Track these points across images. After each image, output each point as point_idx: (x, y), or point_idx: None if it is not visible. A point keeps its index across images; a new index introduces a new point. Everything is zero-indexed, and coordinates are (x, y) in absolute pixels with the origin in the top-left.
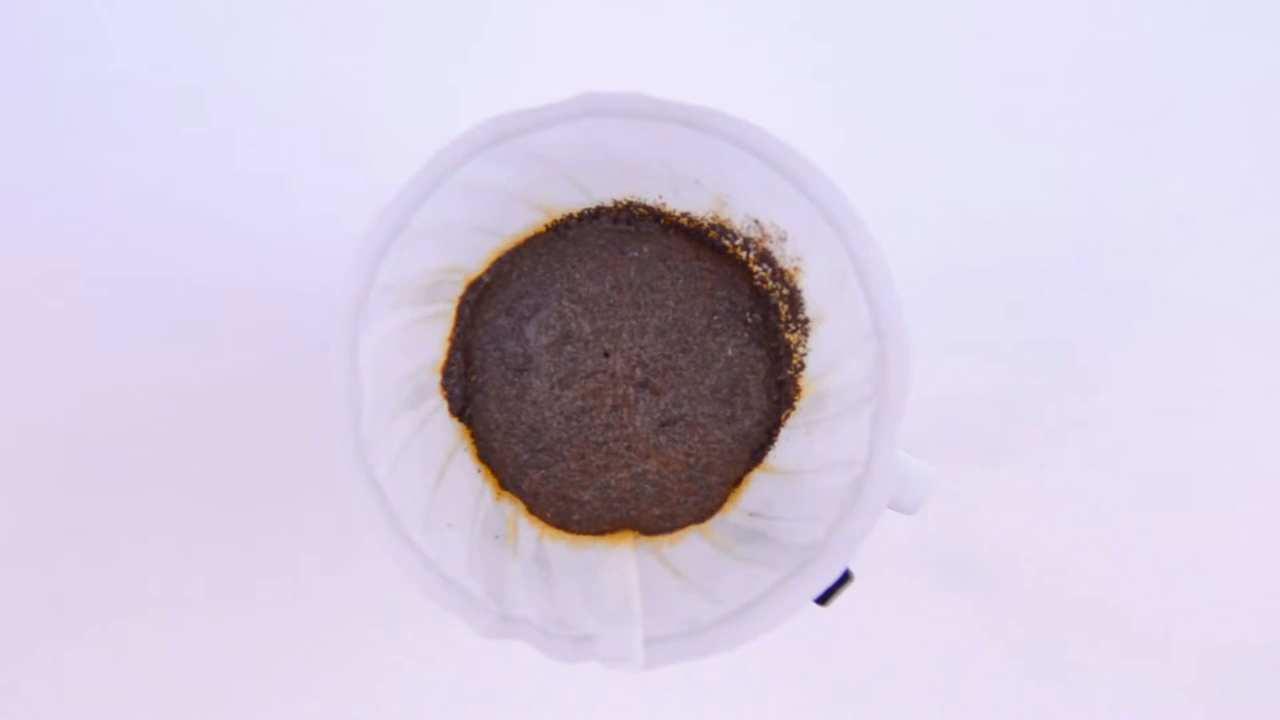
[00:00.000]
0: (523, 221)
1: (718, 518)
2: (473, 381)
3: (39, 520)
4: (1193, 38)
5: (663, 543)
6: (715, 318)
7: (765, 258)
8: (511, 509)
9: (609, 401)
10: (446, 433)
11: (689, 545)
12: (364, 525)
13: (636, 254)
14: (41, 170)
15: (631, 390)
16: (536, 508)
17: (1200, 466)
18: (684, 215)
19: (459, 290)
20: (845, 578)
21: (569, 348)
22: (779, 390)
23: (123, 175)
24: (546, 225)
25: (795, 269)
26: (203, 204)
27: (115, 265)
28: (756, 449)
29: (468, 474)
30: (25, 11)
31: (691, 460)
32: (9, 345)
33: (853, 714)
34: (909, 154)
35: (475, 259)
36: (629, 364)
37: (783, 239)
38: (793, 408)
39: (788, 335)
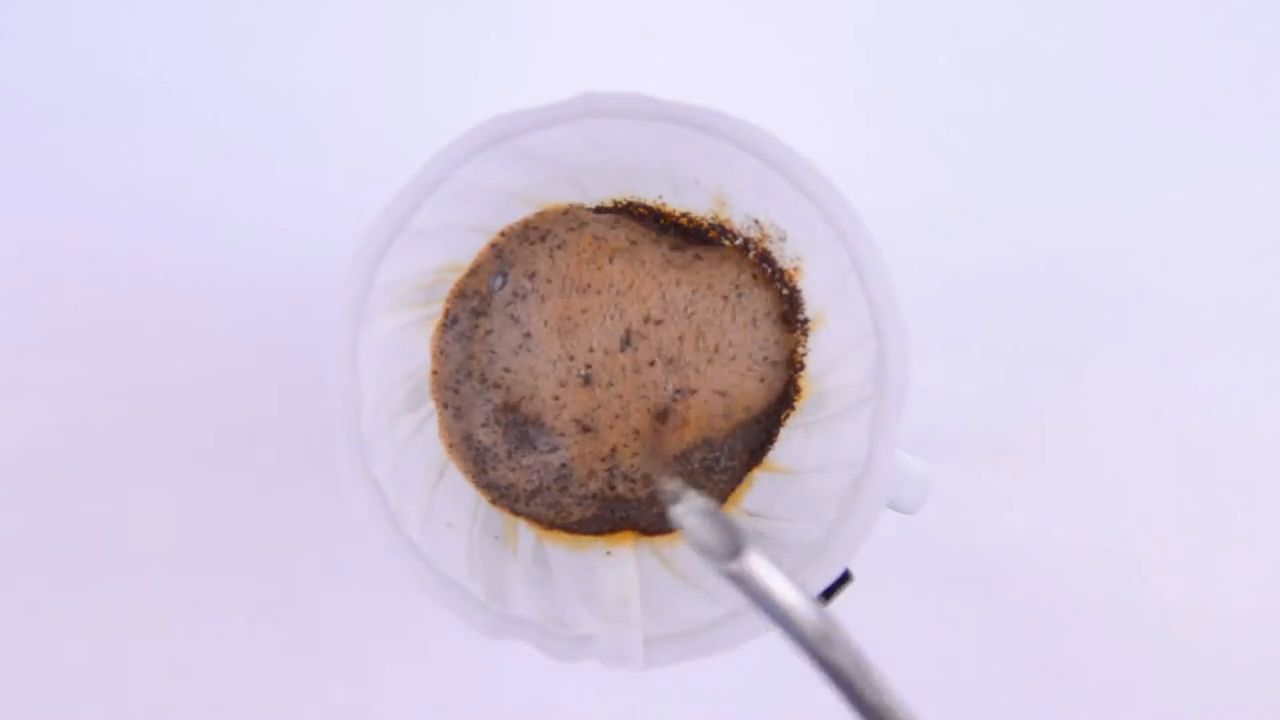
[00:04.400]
0: None
1: None
2: None
3: (38, 519)
4: (1193, 37)
5: (662, 542)
6: None
7: (765, 258)
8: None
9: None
10: None
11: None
12: (364, 525)
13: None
14: (42, 169)
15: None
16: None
17: (1200, 466)
18: (684, 215)
19: None
20: (845, 578)
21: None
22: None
23: (122, 174)
24: None
25: (795, 269)
26: (202, 204)
27: (115, 263)
28: (756, 449)
29: None
30: (34, 12)
31: None
32: (9, 344)
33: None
34: (908, 154)
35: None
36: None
37: (782, 239)
38: (793, 408)
39: None
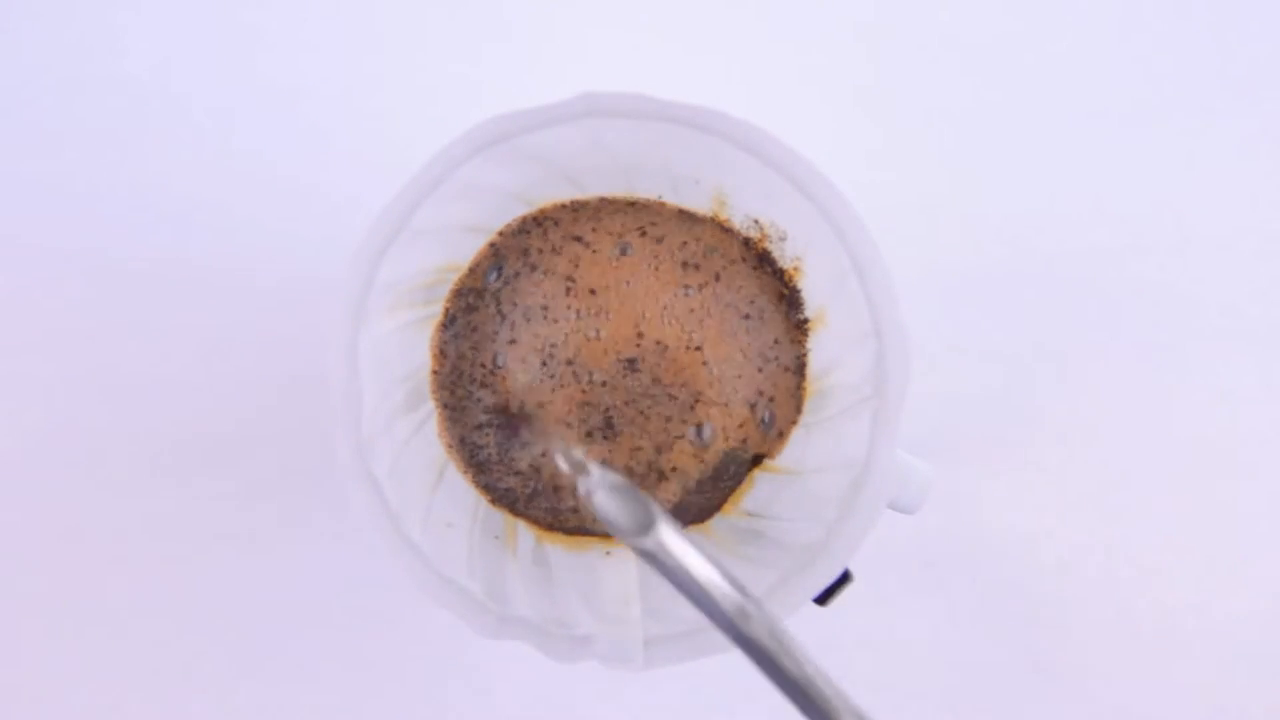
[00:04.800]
0: None
1: (717, 518)
2: None
3: (38, 519)
4: (1194, 37)
5: None
6: None
7: (765, 258)
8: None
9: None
10: None
11: None
12: (364, 525)
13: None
14: (42, 169)
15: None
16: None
17: (1200, 466)
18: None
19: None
20: (845, 578)
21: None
22: None
23: (122, 174)
24: None
25: (795, 269)
26: (201, 204)
27: (115, 263)
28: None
29: None
30: (34, 12)
31: None
32: (9, 344)
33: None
34: (908, 154)
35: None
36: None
37: (782, 239)
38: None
39: None
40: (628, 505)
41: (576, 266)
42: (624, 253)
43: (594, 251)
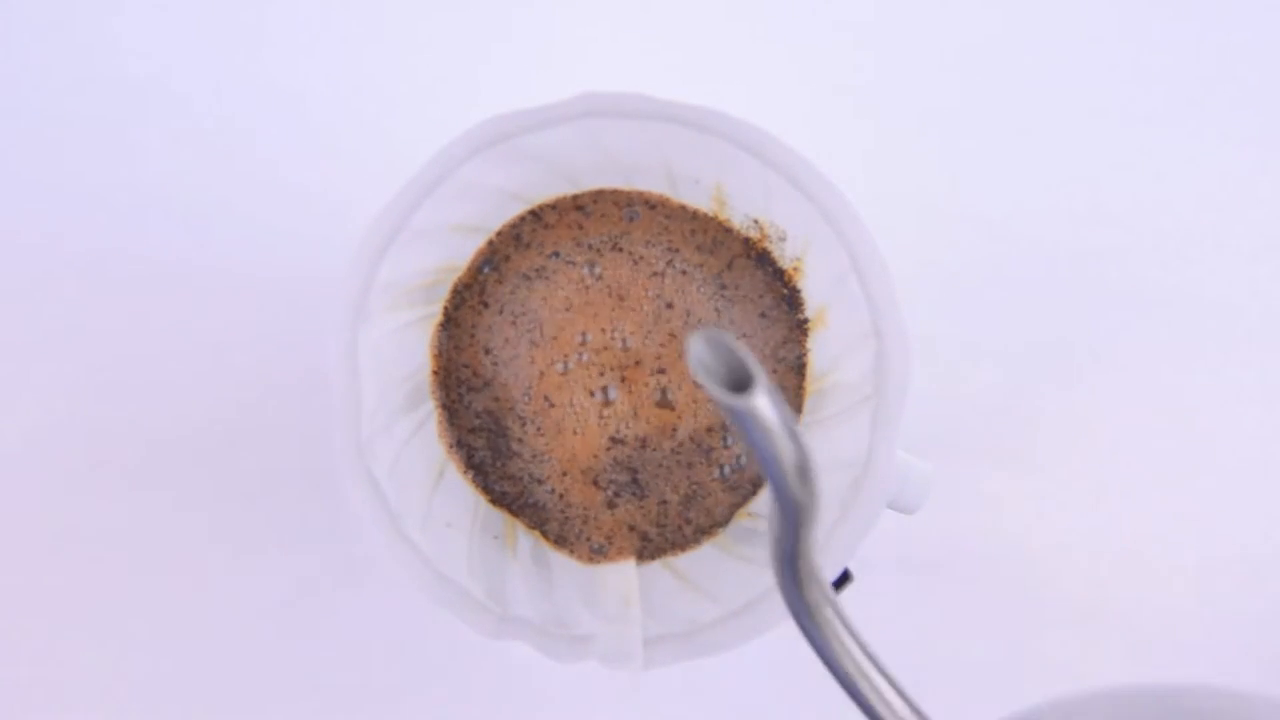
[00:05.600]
0: None
1: None
2: None
3: (38, 520)
4: (1193, 37)
5: None
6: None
7: (764, 258)
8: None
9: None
10: None
11: None
12: (364, 525)
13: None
14: (42, 169)
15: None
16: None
17: (1200, 466)
18: None
19: None
20: (845, 578)
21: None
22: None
23: (122, 174)
24: None
25: (795, 269)
26: (201, 204)
27: (114, 264)
28: None
29: None
30: (33, 12)
31: None
32: (9, 344)
33: (853, 714)
34: (908, 154)
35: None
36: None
37: (782, 239)
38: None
39: None
40: (724, 357)
41: (577, 242)
42: (631, 219)
43: (601, 215)
